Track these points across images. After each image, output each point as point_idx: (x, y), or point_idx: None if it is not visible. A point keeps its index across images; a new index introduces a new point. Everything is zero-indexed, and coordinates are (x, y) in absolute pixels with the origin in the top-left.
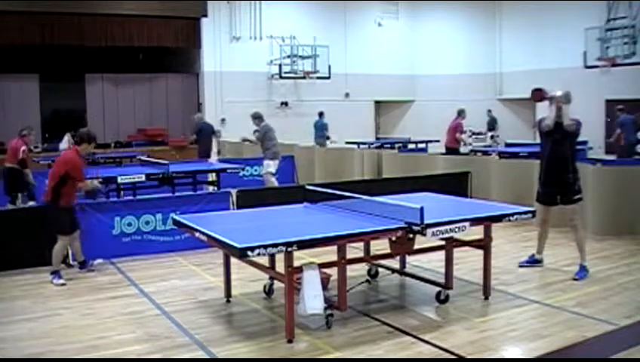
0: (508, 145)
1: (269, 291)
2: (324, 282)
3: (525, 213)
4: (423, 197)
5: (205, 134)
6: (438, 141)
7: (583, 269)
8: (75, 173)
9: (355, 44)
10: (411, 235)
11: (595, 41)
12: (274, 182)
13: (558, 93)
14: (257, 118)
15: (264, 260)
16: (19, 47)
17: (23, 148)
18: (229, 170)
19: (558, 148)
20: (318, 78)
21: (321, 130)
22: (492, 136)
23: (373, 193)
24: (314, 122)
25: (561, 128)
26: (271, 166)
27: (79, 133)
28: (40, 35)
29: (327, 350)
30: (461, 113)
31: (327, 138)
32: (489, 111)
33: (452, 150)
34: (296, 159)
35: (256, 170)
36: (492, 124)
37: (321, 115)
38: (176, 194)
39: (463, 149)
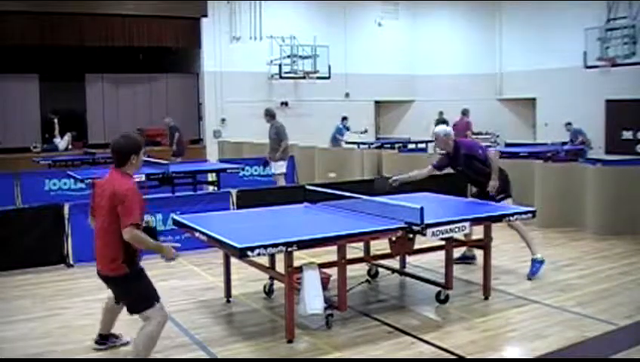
0: (508, 145)
1: (269, 291)
2: (324, 282)
3: (525, 213)
4: (423, 197)
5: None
6: None
7: (534, 263)
8: (125, 211)
9: (355, 44)
10: (411, 235)
11: (595, 41)
12: (283, 182)
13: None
14: (272, 115)
15: (264, 260)
16: (19, 47)
17: None
18: (229, 170)
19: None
20: (318, 78)
21: (336, 134)
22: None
23: (373, 193)
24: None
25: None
26: (284, 166)
27: (114, 147)
28: (40, 35)
29: (327, 350)
30: (466, 113)
31: (360, 132)
32: (440, 113)
33: None
34: (296, 159)
35: (256, 170)
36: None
37: (343, 119)
38: (177, 194)
39: None
